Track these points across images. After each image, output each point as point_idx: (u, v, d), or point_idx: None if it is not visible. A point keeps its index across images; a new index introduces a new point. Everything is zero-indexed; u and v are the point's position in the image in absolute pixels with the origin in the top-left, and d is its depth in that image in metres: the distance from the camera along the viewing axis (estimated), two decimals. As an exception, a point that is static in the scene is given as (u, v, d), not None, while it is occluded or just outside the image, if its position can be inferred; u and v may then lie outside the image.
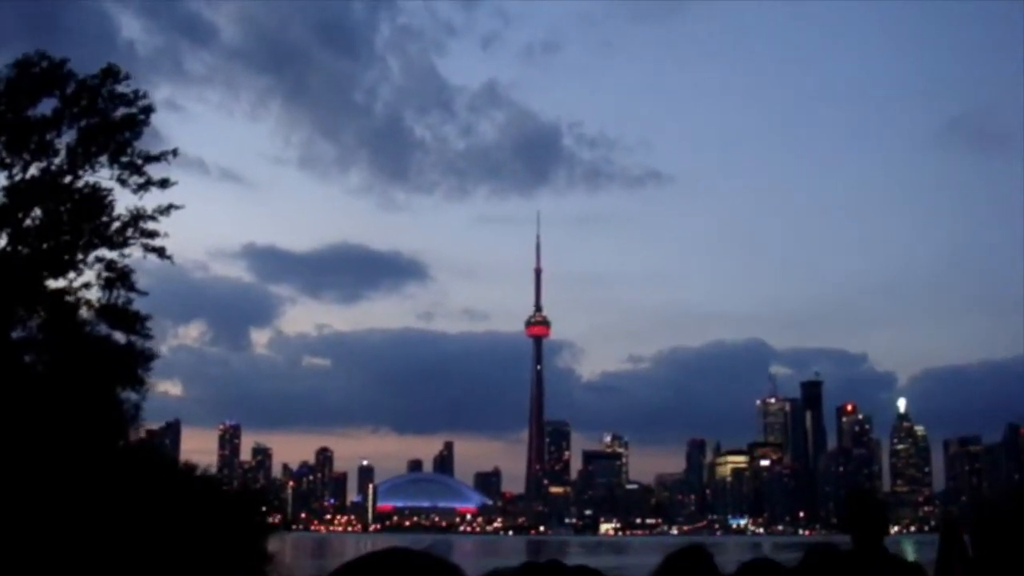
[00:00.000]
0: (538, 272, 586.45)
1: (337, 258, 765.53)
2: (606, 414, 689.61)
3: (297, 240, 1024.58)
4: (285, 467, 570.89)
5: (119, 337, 49.26)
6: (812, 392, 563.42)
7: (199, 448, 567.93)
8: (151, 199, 46.42)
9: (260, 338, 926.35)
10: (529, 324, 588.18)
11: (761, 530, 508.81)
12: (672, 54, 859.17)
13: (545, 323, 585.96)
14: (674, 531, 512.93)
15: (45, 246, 45.72)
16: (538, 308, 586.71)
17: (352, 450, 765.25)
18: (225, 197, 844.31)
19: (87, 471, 33.56)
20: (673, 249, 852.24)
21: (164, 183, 45.72)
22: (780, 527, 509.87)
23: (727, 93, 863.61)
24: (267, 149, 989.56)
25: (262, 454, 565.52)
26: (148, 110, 45.97)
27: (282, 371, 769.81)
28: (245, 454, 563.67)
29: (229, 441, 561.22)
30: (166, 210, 45.49)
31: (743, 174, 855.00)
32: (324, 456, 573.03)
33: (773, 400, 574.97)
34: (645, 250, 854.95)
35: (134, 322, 48.50)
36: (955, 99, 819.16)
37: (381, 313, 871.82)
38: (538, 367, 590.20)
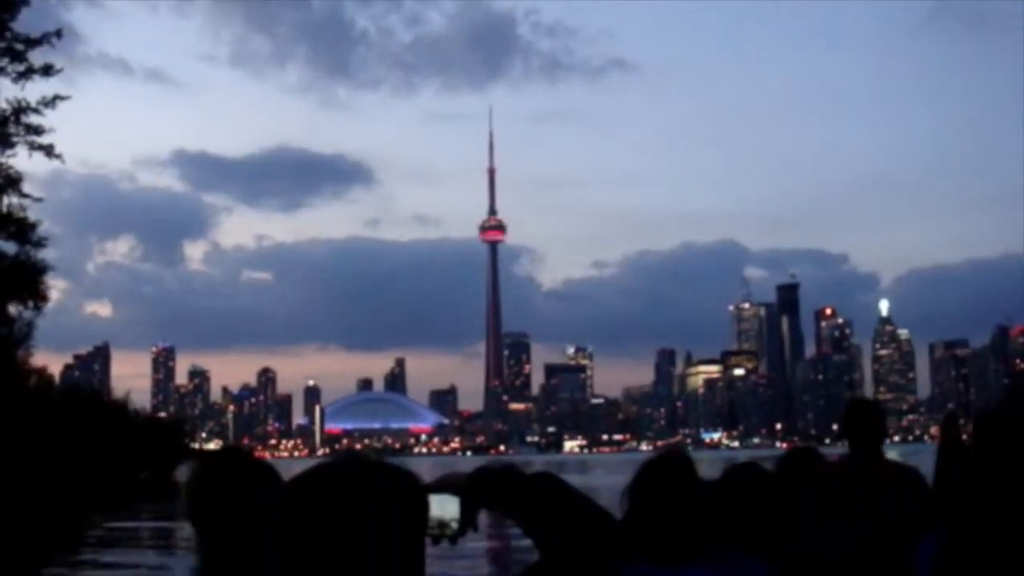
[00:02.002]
0: (492, 172, 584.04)
1: (275, 163, 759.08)
2: (569, 324, 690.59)
3: (231, 144, 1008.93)
4: (225, 390, 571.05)
5: (8, 248, 47.23)
6: (788, 296, 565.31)
7: (131, 373, 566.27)
8: (35, 90, 44.06)
9: (195, 252, 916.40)
10: (483, 229, 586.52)
11: (736, 444, 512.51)
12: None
13: (500, 227, 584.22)
14: (643, 447, 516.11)
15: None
16: (492, 211, 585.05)
17: (297, 370, 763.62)
18: (151, 100, 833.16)
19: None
20: (639, 145, 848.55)
21: (48, 70, 43.10)
22: (756, 440, 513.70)
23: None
24: (196, 46, 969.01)
25: (199, 377, 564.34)
26: (27, -14, 43.18)
27: (219, 287, 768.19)
28: (181, 378, 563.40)
29: (163, 364, 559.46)
30: (51, 101, 43.00)
31: (714, 63, 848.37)
32: (266, 377, 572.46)
33: (747, 305, 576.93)
34: (609, 146, 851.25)
35: (25, 230, 46.32)
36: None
37: (325, 221, 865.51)
38: (493, 275, 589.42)
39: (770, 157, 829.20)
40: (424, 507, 2.38)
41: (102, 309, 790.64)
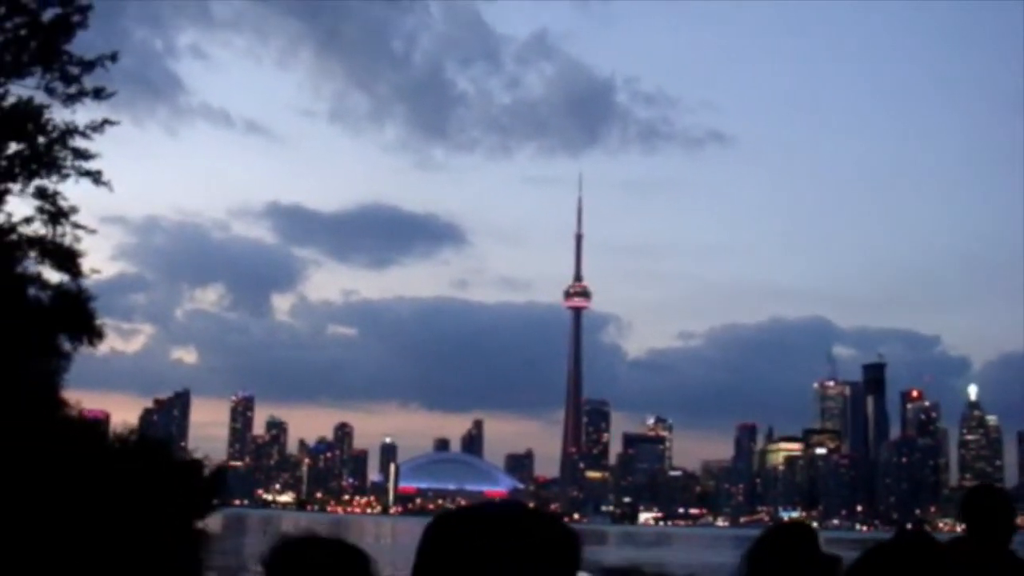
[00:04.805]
0: (579, 238, 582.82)
1: (367, 219, 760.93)
2: (650, 394, 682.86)
3: (325, 199, 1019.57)
4: (301, 443, 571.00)
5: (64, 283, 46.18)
6: (875, 375, 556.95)
7: (210, 420, 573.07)
8: (85, 115, 42.95)
9: (282, 304, 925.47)
10: (568, 295, 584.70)
11: (815, 524, 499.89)
12: (739, 5, 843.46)
13: (585, 294, 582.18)
14: (720, 523, 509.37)
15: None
16: (578, 278, 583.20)
17: (375, 426, 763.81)
18: (249, 151, 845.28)
19: None
20: (732, 217, 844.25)
21: (99, 92, 42.10)
22: (836, 521, 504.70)
23: (798, 50, 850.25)
24: (296, 100, 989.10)
25: (277, 428, 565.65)
26: (85, 10, 42.28)
27: (304, 340, 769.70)
28: (259, 428, 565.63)
29: (242, 414, 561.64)
30: (100, 126, 41.98)
31: (812, 138, 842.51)
32: (343, 432, 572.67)
33: (832, 383, 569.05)
34: (701, 218, 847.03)
35: (74, 261, 45.04)
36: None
37: (413, 280, 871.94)
38: (576, 341, 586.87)
39: (865, 235, 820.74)
40: (576, 567, 2.41)
41: (187, 356, 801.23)
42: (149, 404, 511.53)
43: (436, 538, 2.40)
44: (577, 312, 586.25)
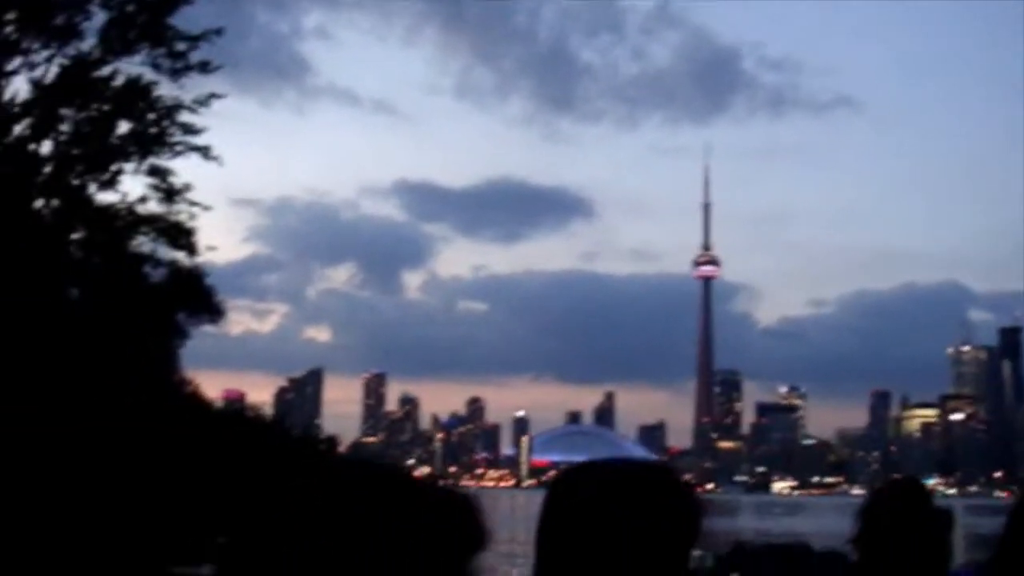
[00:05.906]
0: (707, 207, 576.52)
1: (496, 194, 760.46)
2: (782, 363, 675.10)
3: (453, 175, 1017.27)
4: (434, 418, 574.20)
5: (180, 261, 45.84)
6: (1011, 339, 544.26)
7: (343, 398, 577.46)
8: (193, 91, 42.56)
9: (412, 281, 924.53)
10: (697, 264, 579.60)
11: (953, 491, 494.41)
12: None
13: (713, 263, 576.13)
14: (856, 491, 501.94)
15: (77, 152, 42.04)
16: (706, 247, 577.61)
17: (506, 400, 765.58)
18: (377, 130, 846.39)
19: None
20: (862, 183, 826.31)
21: (204, 66, 41.56)
22: (974, 488, 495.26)
23: (926, 11, 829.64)
24: (422, 78, 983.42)
25: (409, 404, 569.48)
26: (188, -18, 41.76)
27: (435, 316, 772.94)
28: (391, 404, 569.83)
29: (374, 390, 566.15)
30: (206, 100, 41.48)
31: (942, 100, 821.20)
32: (476, 406, 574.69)
33: (967, 348, 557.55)
34: (831, 183, 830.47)
35: (189, 238, 44.58)
36: None
37: (543, 253, 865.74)
38: (706, 311, 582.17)
39: (999, 197, 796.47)
40: (698, 521, 2.43)
41: (320, 334, 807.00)
42: (284, 383, 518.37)
43: (556, 491, 2.45)
44: (707, 282, 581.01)
